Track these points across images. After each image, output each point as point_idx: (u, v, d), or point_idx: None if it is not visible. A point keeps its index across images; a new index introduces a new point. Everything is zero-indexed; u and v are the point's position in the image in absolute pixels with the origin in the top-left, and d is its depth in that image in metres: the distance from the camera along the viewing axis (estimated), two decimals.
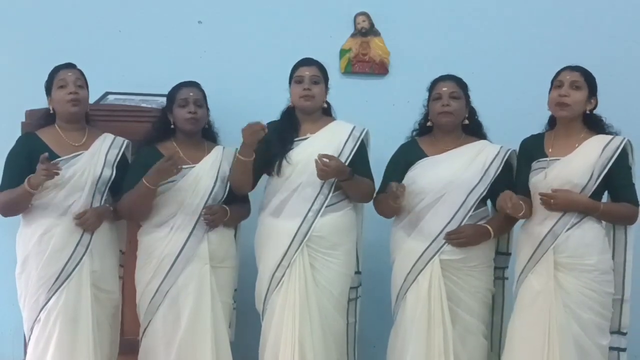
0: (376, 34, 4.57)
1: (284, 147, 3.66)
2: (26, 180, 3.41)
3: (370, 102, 4.54)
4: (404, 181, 3.63)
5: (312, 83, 3.69)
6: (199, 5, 4.60)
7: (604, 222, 3.49)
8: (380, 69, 4.58)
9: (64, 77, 3.58)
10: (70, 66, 3.64)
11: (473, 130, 3.73)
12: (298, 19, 4.56)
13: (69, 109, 3.57)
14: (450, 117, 3.63)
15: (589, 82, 3.49)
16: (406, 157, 3.70)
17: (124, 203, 3.61)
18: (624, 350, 3.49)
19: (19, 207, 3.52)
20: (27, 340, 3.60)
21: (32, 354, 3.52)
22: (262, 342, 3.70)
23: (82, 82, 3.63)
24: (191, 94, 3.69)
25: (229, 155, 3.77)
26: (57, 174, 3.41)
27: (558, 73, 3.53)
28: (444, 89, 3.63)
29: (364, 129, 3.75)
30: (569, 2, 4.59)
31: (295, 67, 3.75)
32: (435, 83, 3.70)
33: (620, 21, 4.56)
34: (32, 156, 3.51)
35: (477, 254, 3.58)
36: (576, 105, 3.47)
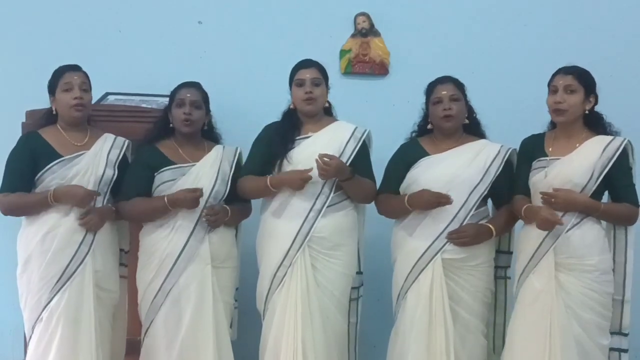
0: (376, 34, 4.57)
1: (285, 147, 3.66)
2: (51, 192, 3.45)
3: (370, 102, 4.54)
4: (406, 180, 3.65)
5: (313, 85, 3.68)
6: (199, 5, 4.61)
7: (604, 223, 3.49)
8: (380, 69, 4.58)
9: (69, 80, 3.57)
10: (75, 68, 3.63)
11: (472, 129, 3.73)
12: (298, 20, 4.56)
13: (73, 113, 3.58)
14: (453, 120, 3.62)
15: (584, 82, 3.47)
16: (407, 157, 3.70)
17: (133, 209, 3.62)
18: (625, 351, 3.49)
19: (30, 212, 3.53)
20: (27, 340, 3.59)
21: (33, 354, 3.52)
22: (262, 342, 3.70)
23: (87, 86, 3.62)
24: (188, 95, 3.68)
25: (229, 154, 3.77)
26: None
27: (552, 77, 3.52)
28: (444, 92, 3.63)
29: (365, 130, 3.75)
30: (569, 2, 4.59)
31: (295, 70, 3.74)
32: (433, 86, 3.68)
33: (620, 21, 4.56)
34: (34, 155, 3.52)
35: (478, 253, 3.58)
36: (573, 109, 3.46)
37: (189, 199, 3.53)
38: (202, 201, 3.62)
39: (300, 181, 3.55)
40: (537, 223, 3.40)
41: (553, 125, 3.61)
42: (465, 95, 3.69)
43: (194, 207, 3.57)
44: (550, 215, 3.37)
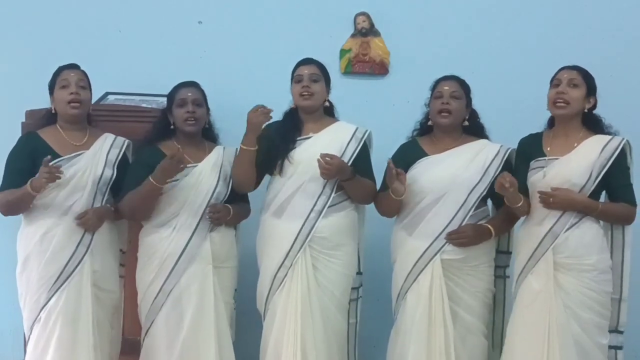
0: (376, 34, 4.58)
1: (286, 147, 3.66)
2: (28, 182, 3.42)
3: (370, 102, 4.54)
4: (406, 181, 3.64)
5: (311, 81, 3.69)
6: (199, 5, 4.61)
7: (602, 222, 3.49)
8: (380, 69, 4.59)
9: (66, 77, 3.58)
10: (73, 67, 3.64)
11: (474, 131, 3.72)
12: (298, 19, 4.57)
13: (69, 110, 3.57)
14: (449, 116, 3.62)
15: (587, 81, 3.49)
16: (406, 157, 3.69)
17: (128, 202, 3.61)
18: (621, 348, 3.51)
19: (20, 208, 3.53)
20: (26, 340, 3.59)
21: (31, 354, 3.52)
22: (263, 343, 3.71)
23: (85, 83, 3.62)
24: (189, 94, 3.69)
25: (230, 155, 3.77)
26: (59, 177, 3.41)
27: (556, 73, 3.54)
28: (445, 87, 3.64)
29: (366, 131, 3.75)
30: (569, 2, 4.59)
31: (295, 67, 3.75)
32: (437, 82, 3.70)
33: (620, 21, 4.56)
34: (33, 155, 3.52)
35: (477, 253, 3.59)
36: (574, 103, 3.47)
37: (170, 164, 3.45)
38: (205, 202, 3.63)
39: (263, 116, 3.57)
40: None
41: (550, 124, 3.61)
42: (468, 96, 3.68)
43: (181, 170, 3.51)
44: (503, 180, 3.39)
